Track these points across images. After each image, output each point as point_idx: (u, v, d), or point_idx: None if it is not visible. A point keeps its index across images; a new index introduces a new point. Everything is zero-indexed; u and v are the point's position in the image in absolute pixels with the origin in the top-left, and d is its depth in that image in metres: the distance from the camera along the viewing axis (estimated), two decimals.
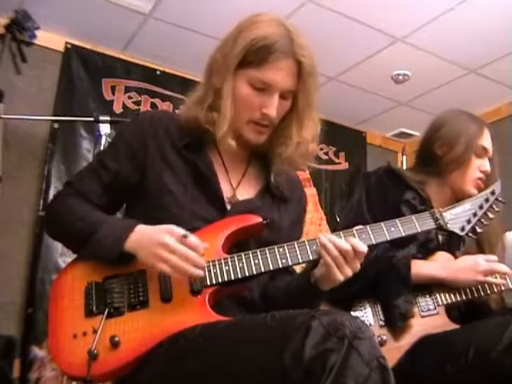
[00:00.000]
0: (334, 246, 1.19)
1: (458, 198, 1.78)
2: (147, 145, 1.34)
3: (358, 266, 1.22)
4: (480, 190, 1.75)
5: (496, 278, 1.64)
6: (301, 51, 1.28)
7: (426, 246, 1.69)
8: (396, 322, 1.56)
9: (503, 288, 1.65)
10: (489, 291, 1.64)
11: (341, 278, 1.20)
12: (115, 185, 1.35)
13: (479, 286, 1.64)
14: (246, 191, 1.39)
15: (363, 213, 1.72)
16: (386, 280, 1.60)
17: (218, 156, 1.39)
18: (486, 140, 1.78)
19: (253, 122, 1.32)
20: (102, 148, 2.49)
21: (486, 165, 1.77)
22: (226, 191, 1.36)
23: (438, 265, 1.64)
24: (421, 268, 1.62)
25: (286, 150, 1.35)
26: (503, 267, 1.62)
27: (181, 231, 1.17)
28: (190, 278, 1.18)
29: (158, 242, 1.16)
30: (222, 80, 1.29)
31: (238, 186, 1.38)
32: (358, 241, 1.21)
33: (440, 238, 1.72)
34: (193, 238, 1.16)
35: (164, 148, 1.34)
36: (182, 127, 1.36)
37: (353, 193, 1.87)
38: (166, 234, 1.16)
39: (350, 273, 1.21)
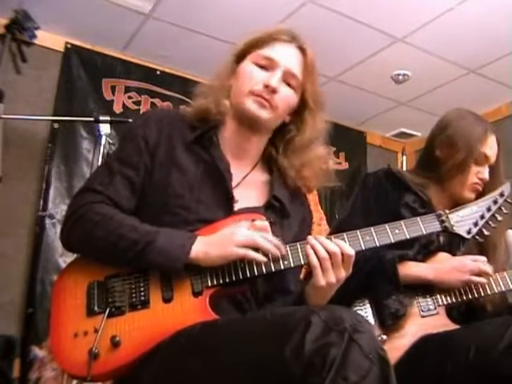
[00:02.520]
0: (323, 246, 1.18)
1: (456, 202, 1.78)
2: (160, 142, 1.33)
3: (343, 274, 1.19)
4: (477, 194, 1.74)
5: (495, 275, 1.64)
6: (304, 45, 1.36)
7: (427, 247, 1.69)
8: (386, 322, 1.55)
9: (496, 290, 1.64)
10: (489, 292, 1.64)
11: (323, 282, 1.17)
12: (136, 181, 1.30)
13: (480, 287, 1.64)
14: (244, 193, 1.36)
15: (356, 214, 1.72)
16: (375, 281, 1.60)
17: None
18: (488, 147, 1.74)
19: (254, 93, 1.32)
20: (102, 148, 2.48)
21: (484, 172, 1.74)
22: None
23: (426, 266, 1.64)
24: (409, 269, 1.62)
25: (301, 141, 1.39)
26: (488, 268, 1.61)
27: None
28: (273, 257, 1.21)
29: (231, 232, 1.19)
30: (229, 70, 1.37)
31: (236, 187, 1.36)
32: (346, 244, 1.20)
33: (441, 238, 1.72)
34: (259, 222, 1.20)
35: (175, 147, 1.33)
36: (192, 124, 1.36)
37: (352, 193, 1.87)
38: (235, 227, 1.20)
39: (333, 279, 1.17)
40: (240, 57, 1.38)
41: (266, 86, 1.30)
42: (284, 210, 1.39)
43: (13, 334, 2.84)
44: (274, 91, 1.31)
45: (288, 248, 1.23)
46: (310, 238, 1.22)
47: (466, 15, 3.02)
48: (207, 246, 1.19)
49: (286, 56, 1.32)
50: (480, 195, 1.72)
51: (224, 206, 1.31)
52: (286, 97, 1.34)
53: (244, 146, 1.39)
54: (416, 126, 4.37)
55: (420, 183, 1.76)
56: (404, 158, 3.98)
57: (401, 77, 3.71)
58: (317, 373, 0.91)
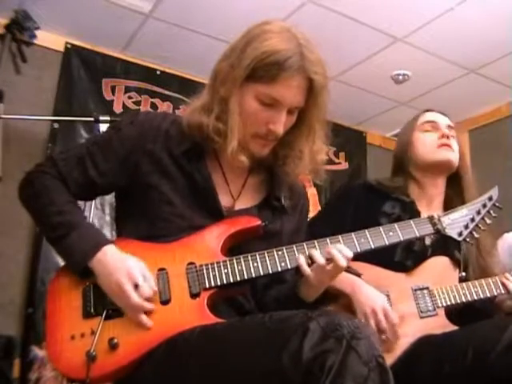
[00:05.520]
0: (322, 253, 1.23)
1: (436, 180, 1.82)
2: (145, 149, 1.31)
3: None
4: (448, 147, 1.78)
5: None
6: (313, 68, 1.23)
7: (410, 249, 1.70)
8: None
9: (495, 292, 1.64)
10: (488, 294, 1.64)
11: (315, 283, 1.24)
12: (98, 182, 1.32)
13: (479, 289, 1.64)
14: (246, 201, 1.37)
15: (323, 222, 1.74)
16: None
17: (218, 166, 1.36)
18: (428, 116, 1.86)
19: (258, 136, 1.29)
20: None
21: (442, 131, 1.80)
22: (226, 202, 1.34)
23: (350, 281, 1.60)
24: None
25: (300, 164, 1.33)
26: (391, 335, 1.53)
27: (136, 277, 1.17)
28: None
29: (114, 280, 1.17)
30: (229, 92, 1.25)
31: (238, 197, 1.37)
32: (344, 247, 1.23)
33: (427, 240, 1.74)
34: (144, 288, 1.16)
35: (162, 154, 1.31)
36: (183, 132, 1.33)
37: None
38: (124, 276, 1.17)
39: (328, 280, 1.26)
40: (245, 77, 1.24)
41: (271, 130, 1.27)
42: (283, 208, 1.39)
43: (13, 334, 2.83)
44: (277, 135, 1.29)
45: (294, 247, 1.25)
46: (306, 246, 1.24)
47: (466, 15, 3.02)
48: (100, 270, 1.20)
49: (291, 96, 1.24)
50: None
51: (215, 216, 1.31)
52: (289, 124, 1.31)
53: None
54: None
55: (400, 185, 1.80)
56: None
57: (401, 77, 3.71)
58: (315, 380, 0.91)
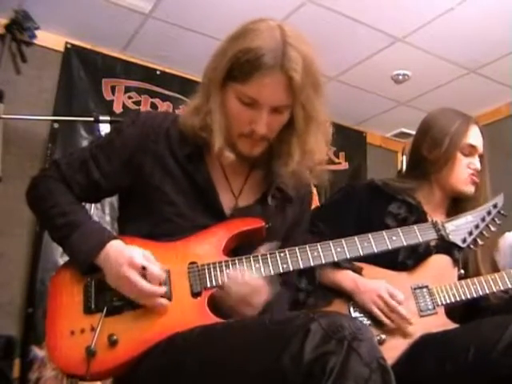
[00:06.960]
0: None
1: (450, 197, 1.80)
2: (147, 149, 1.32)
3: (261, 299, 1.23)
4: (476, 185, 1.76)
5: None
6: (292, 65, 1.18)
7: (414, 250, 1.69)
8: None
9: (494, 289, 1.63)
10: (488, 291, 1.64)
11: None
12: (102, 184, 1.34)
13: (478, 286, 1.64)
14: (248, 198, 1.37)
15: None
16: None
17: (219, 165, 1.36)
18: (472, 137, 1.76)
19: (244, 135, 1.27)
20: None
21: (475, 163, 1.76)
22: (228, 200, 1.34)
23: (351, 277, 1.62)
24: (338, 274, 1.63)
25: (288, 167, 1.31)
26: (399, 308, 1.55)
27: (140, 263, 1.16)
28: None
29: (119, 274, 1.17)
30: (213, 92, 1.26)
31: (240, 194, 1.37)
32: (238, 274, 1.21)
33: (432, 241, 1.73)
34: (152, 269, 1.17)
35: (164, 154, 1.32)
36: (182, 133, 1.33)
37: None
38: (127, 266, 1.16)
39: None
40: (224, 77, 1.24)
41: (253, 130, 1.25)
42: (286, 197, 1.39)
43: (13, 334, 2.83)
44: (261, 135, 1.26)
45: (297, 250, 1.25)
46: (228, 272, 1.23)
47: (467, 15, 3.02)
48: (104, 265, 1.20)
49: (268, 94, 1.21)
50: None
51: (217, 215, 1.31)
52: (277, 124, 1.28)
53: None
54: (416, 126, 4.30)
55: (409, 188, 1.78)
56: (404, 157, 3.96)
57: (401, 77, 3.71)
58: (316, 381, 0.90)
